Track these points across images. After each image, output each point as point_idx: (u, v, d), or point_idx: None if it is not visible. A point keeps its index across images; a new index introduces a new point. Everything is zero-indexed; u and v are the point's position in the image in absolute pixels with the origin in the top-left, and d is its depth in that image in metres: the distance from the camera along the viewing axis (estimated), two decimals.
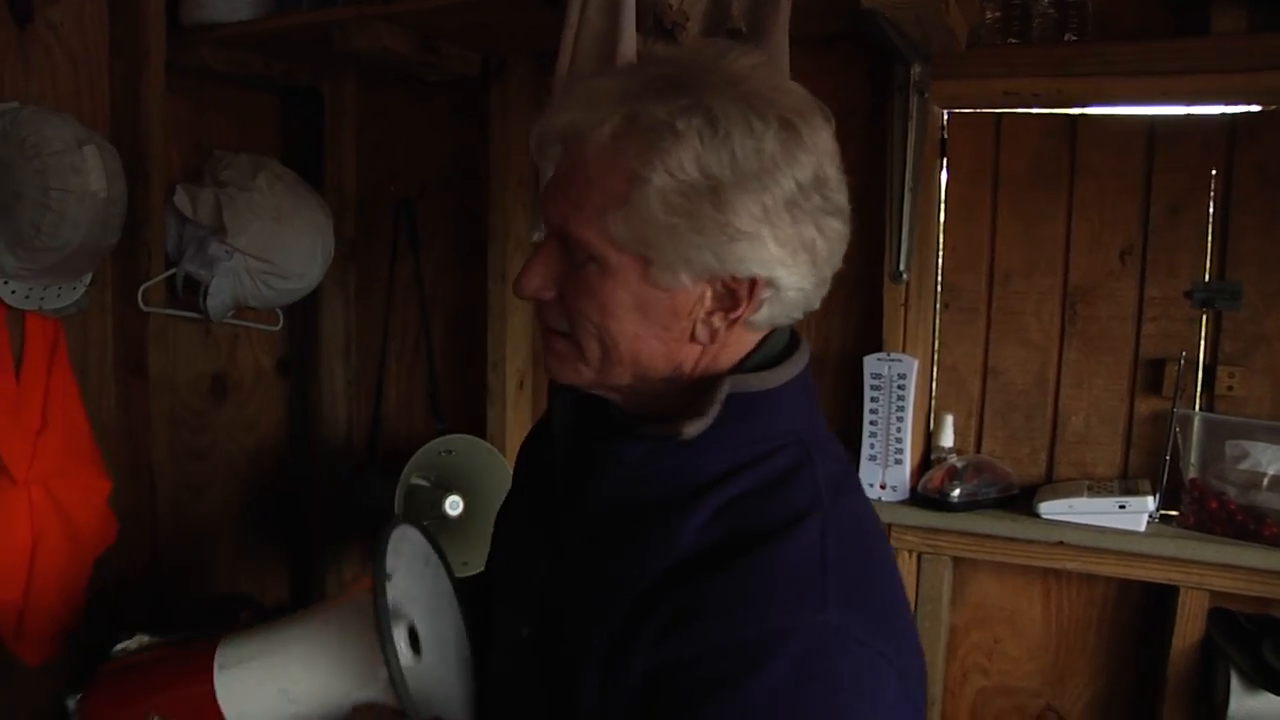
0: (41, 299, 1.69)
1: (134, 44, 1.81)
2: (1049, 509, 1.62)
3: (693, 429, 0.87)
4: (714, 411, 0.87)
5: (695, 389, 0.91)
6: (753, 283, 0.85)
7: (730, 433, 0.88)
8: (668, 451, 0.89)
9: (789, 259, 0.85)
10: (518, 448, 1.18)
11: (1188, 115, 1.63)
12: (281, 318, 2.16)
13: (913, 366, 1.71)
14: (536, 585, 0.96)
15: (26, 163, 1.54)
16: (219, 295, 1.87)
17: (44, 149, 1.55)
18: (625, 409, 0.95)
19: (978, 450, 1.78)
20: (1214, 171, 1.62)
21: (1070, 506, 1.60)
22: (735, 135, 0.81)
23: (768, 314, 0.88)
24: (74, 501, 1.77)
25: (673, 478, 0.89)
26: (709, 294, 0.87)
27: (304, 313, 2.25)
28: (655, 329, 0.88)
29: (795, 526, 0.84)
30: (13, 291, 1.64)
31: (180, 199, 1.86)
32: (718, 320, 0.88)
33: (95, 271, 1.77)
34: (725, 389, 0.88)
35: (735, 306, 0.87)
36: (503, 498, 1.16)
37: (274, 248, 1.88)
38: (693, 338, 0.89)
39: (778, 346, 0.95)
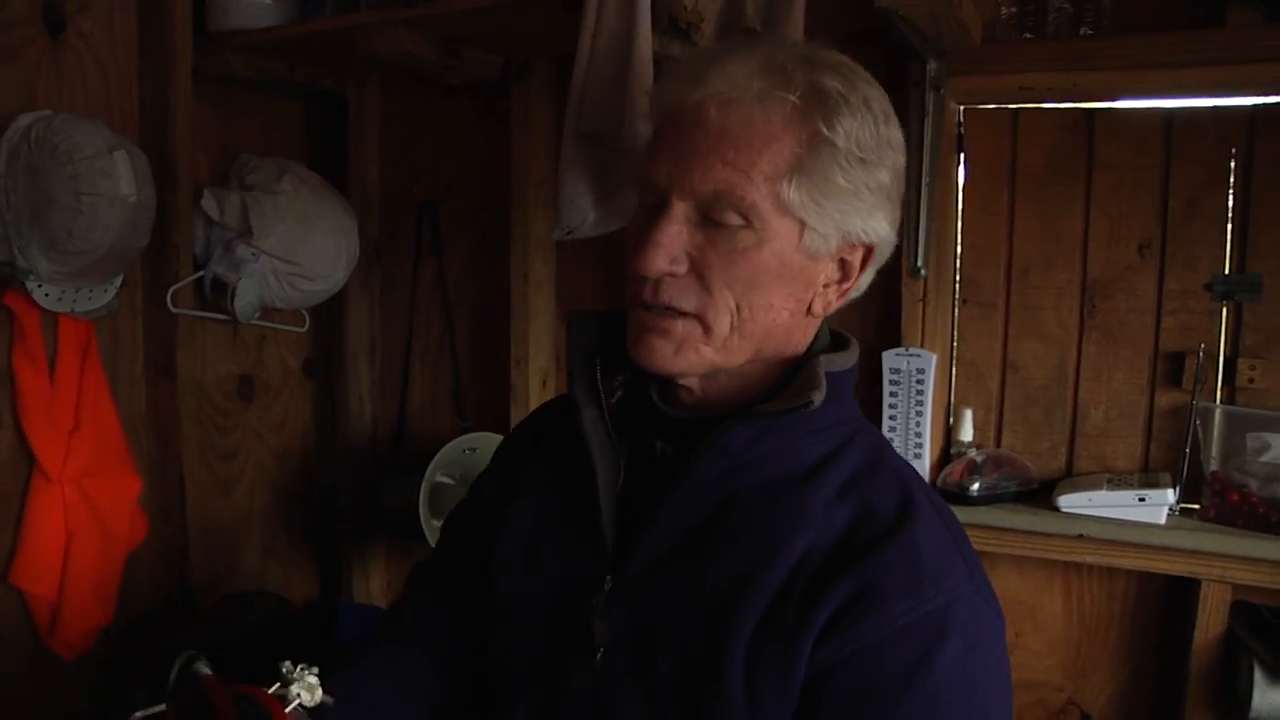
0: (74, 301, 1.72)
1: (162, 51, 1.85)
2: (1068, 502, 1.62)
3: (818, 397, 0.90)
4: (824, 383, 0.91)
5: (778, 372, 0.96)
6: (867, 251, 0.94)
7: (827, 411, 0.93)
8: (772, 433, 0.92)
9: (890, 234, 0.95)
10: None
11: (1205, 108, 1.63)
12: (307, 319, 2.19)
13: (931, 361, 1.72)
14: (598, 602, 0.94)
15: (59, 168, 1.57)
16: (246, 296, 1.91)
17: (75, 155, 1.58)
18: (690, 401, 0.98)
19: (997, 444, 1.79)
20: (1233, 164, 1.62)
21: (1090, 499, 1.61)
22: (879, 116, 0.92)
23: (855, 292, 0.98)
24: (106, 500, 1.81)
25: (779, 460, 0.93)
26: (833, 265, 0.94)
27: (329, 314, 2.28)
28: (790, 300, 0.92)
29: (915, 504, 0.90)
30: (46, 294, 1.68)
31: (207, 202, 1.90)
32: (832, 293, 0.96)
33: (125, 274, 1.81)
34: (822, 365, 0.93)
35: (847, 278, 0.95)
36: None
37: (299, 249, 1.91)
38: (809, 310, 0.95)
39: (824, 339, 1.01)
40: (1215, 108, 1.62)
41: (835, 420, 0.95)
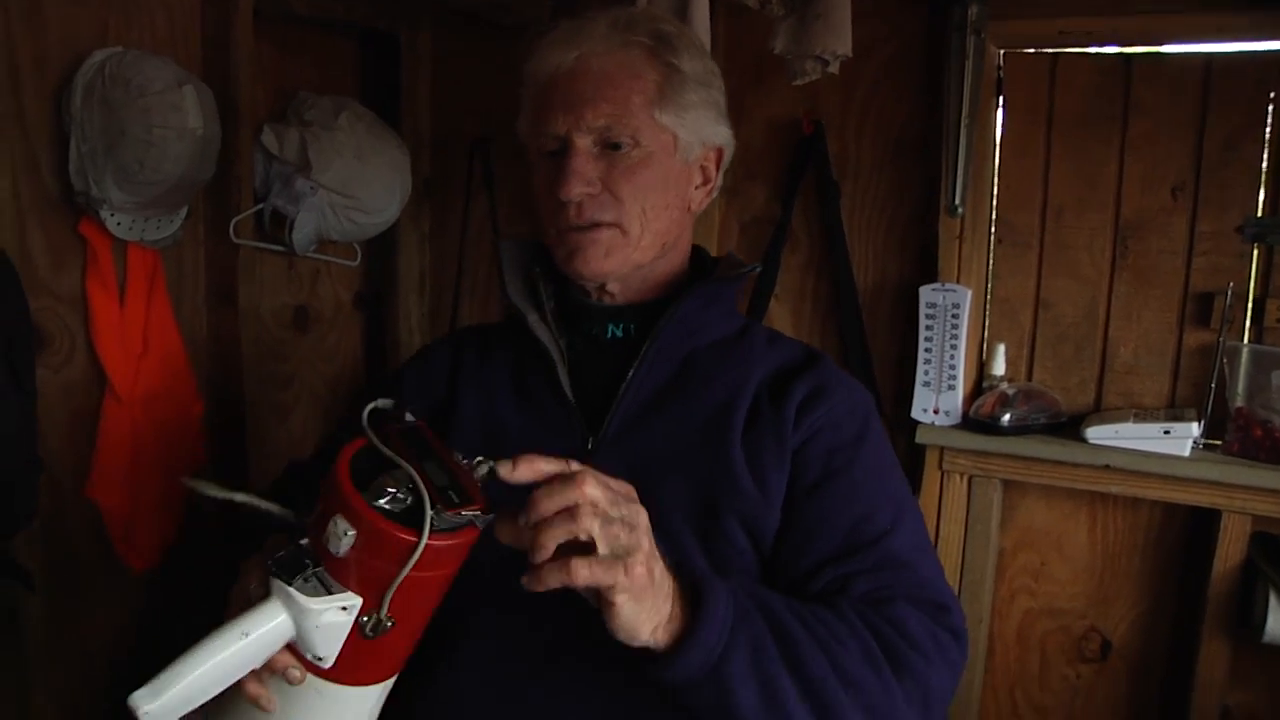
0: (143, 230, 1.80)
1: None
2: (1096, 434, 1.68)
3: (734, 272, 1.24)
4: (739, 261, 1.27)
5: (680, 269, 1.26)
6: (719, 154, 1.24)
7: (731, 296, 1.27)
8: (713, 304, 1.21)
9: (730, 137, 1.25)
10: None
11: (1244, 52, 1.66)
12: (360, 253, 2.27)
13: (966, 296, 1.77)
14: (589, 461, 1.08)
15: (131, 102, 1.64)
16: (304, 229, 1.98)
17: (147, 89, 1.65)
18: (611, 304, 1.21)
19: (1028, 379, 1.85)
20: (1270, 108, 1.65)
21: (1117, 432, 1.67)
22: (703, 50, 1.24)
23: (714, 193, 1.27)
24: (171, 420, 1.90)
25: (718, 324, 1.23)
26: (698, 171, 1.22)
27: (381, 250, 2.35)
28: (677, 200, 1.20)
29: (814, 350, 1.25)
30: (118, 223, 1.75)
31: (267, 138, 1.97)
32: (701, 193, 1.24)
33: (190, 206, 1.88)
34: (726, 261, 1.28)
35: (707, 181, 1.24)
36: None
37: (356, 184, 1.98)
38: (689, 209, 1.23)
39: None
40: (1254, 53, 1.65)
41: (734, 304, 1.29)
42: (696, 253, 1.31)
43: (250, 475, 2.12)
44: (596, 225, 1.15)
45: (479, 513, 0.81)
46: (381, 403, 0.90)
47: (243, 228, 1.97)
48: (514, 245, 1.29)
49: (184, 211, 1.87)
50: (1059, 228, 1.81)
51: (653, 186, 1.15)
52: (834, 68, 1.56)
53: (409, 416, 0.90)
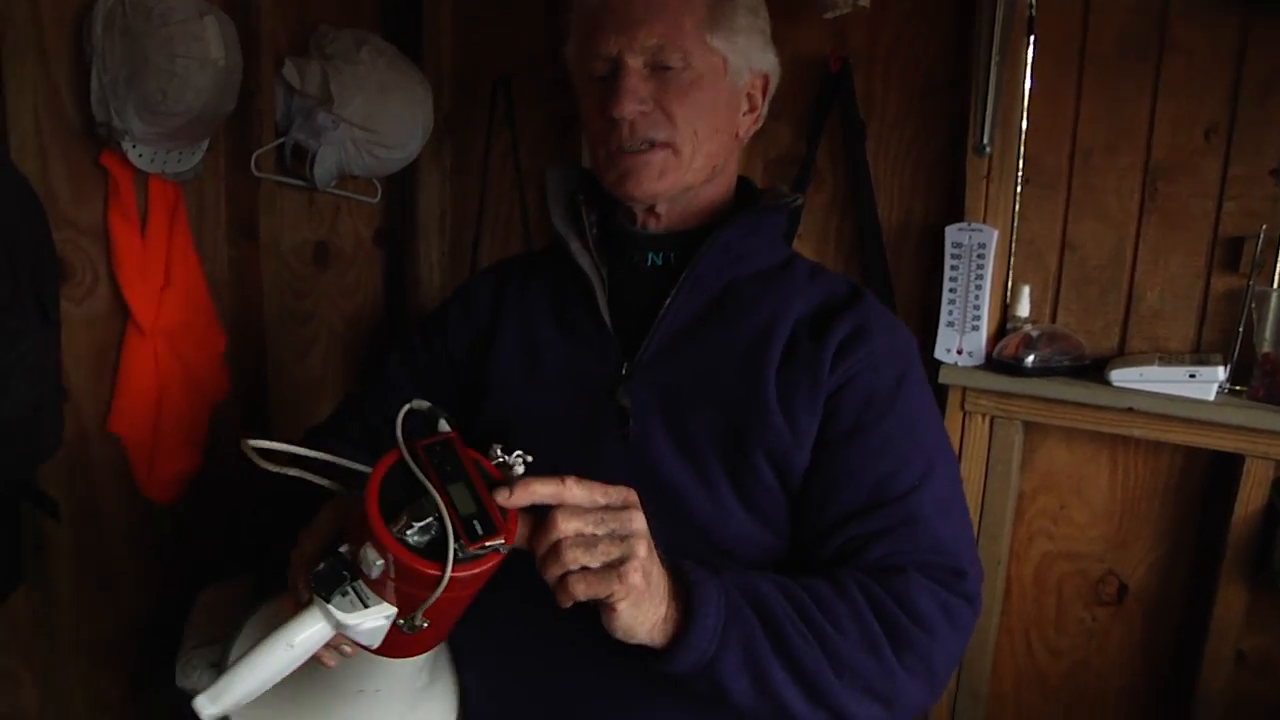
0: (164, 163, 1.79)
1: None
2: (1120, 376, 1.67)
3: (778, 201, 1.23)
4: (784, 192, 1.26)
5: (725, 197, 1.25)
6: (765, 81, 1.23)
7: (780, 224, 1.26)
8: (755, 233, 1.20)
9: (776, 65, 1.24)
10: None
11: None
12: (380, 190, 2.26)
13: (992, 237, 1.76)
14: (619, 385, 1.15)
15: (154, 31, 1.62)
16: (325, 163, 1.97)
17: (170, 18, 1.63)
18: (657, 228, 1.22)
19: (1052, 322, 1.83)
20: None
21: (1141, 374, 1.66)
22: None
23: (759, 122, 1.25)
24: (193, 353, 1.90)
25: (761, 255, 1.22)
26: (745, 96, 1.21)
27: (401, 187, 2.34)
28: (727, 124, 1.19)
29: (859, 288, 1.22)
30: (140, 155, 1.74)
31: (289, 71, 1.95)
32: (748, 120, 1.23)
33: (211, 139, 1.87)
34: (771, 192, 1.27)
35: (754, 109, 1.23)
36: None
37: (378, 118, 1.97)
38: (736, 136, 1.22)
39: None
40: None
41: (781, 235, 1.26)
42: (742, 183, 1.30)
43: (270, 411, 2.13)
44: (650, 146, 1.14)
45: (502, 542, 0.85)
46: (417, 404, 0.93)
47: (264, 161, 1.96)
48: (559, 173, 1.29)
49: (205, 144, 1.86)
50: (1087, 169, 1.79)
51: (704, 107, 1.15)
52: (865, 1, 1.53)
53: (443, 425, 0.93)
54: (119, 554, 1.87)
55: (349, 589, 0.86)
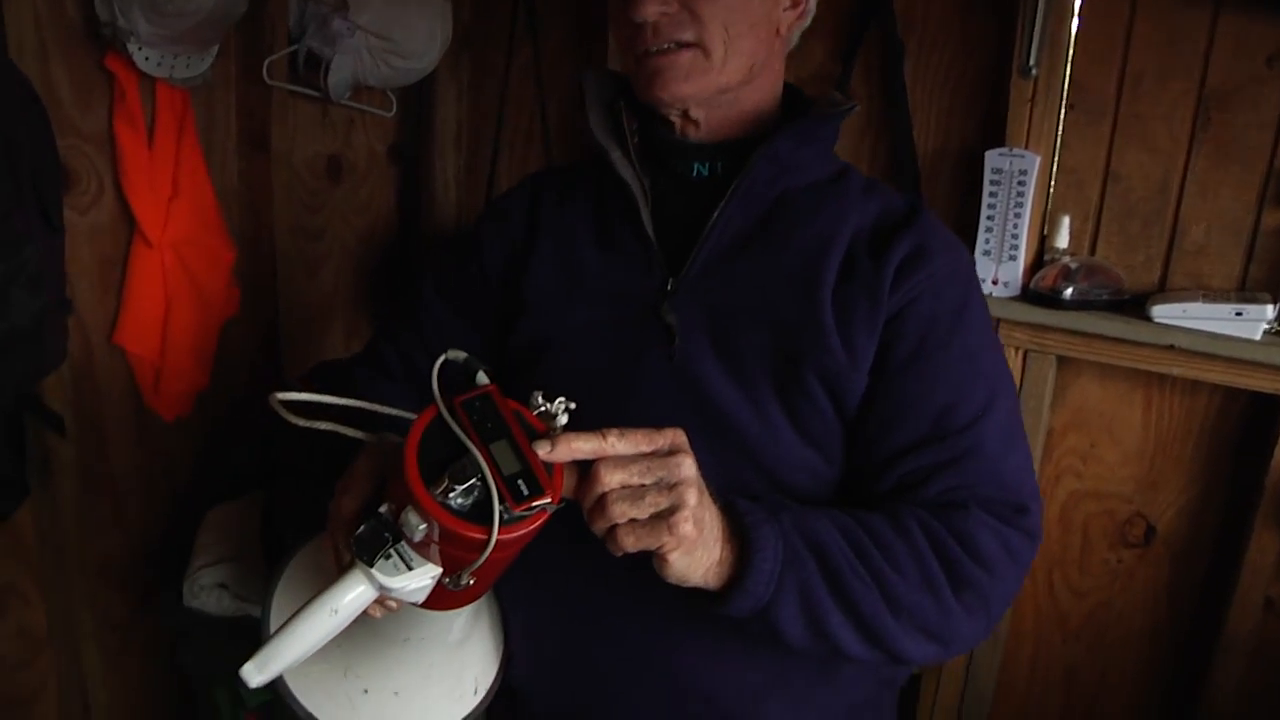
0: (172, 67, 1.72)
1: None
2: (1162, 312, 1.61)
3: (833, 108, 1.15)
4: (837, 99, 1.17)
5: (770, 105, 1.16)
6: None
7: (832, 133, 1.18)
8: (808, 144, 1.12)
9: None
10: None
11: None
12: (395, 103, 2.18)
13: (1034, 163, 1.68)
14: (664, 301, 1.09)
15: None
16: (340, 72, 1.89)
17: None
18: (697, 136, 1.14)
19: (1091, 254, 1.76)
20: None
21: (1184, 310, 1.59)
22: None
23: (799, 29, 1.17)
24: (202, 267, 1.85)
25: (813, 166, 1.14)
26: None
27: (417, 101, 2.26)
28: (761, 18, 1.09)
29: (917, 203, 1.14)
30: (146, 58, 1.67)
31: None
32: (792, 15, 1.13)
33: (221, 44, 1.80)
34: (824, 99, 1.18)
35: (798, 3, 1.14)
36: None
37: (395, 26, 1.89)
38: (778, 33, 1.12)
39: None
40: None
41: (833, 147, 1.19)
42: (789, 91, 1.21)
43: (280, 329, 2.09)
44: (677, 47, 1.06)
45: (548, 501, 0.81)
46: (453, 354, 0.89)
47: (276, 69, 1.89)
48: (596, 78, 1.21)
49: (215, 49, 1.79)
50: (1136, 96, 1.70)
51: (735, 3, 1.06)
52: None
53: (481, 376, 0.88)
54: (125, 471, 1.83)
55: (392, 552, 0.83)
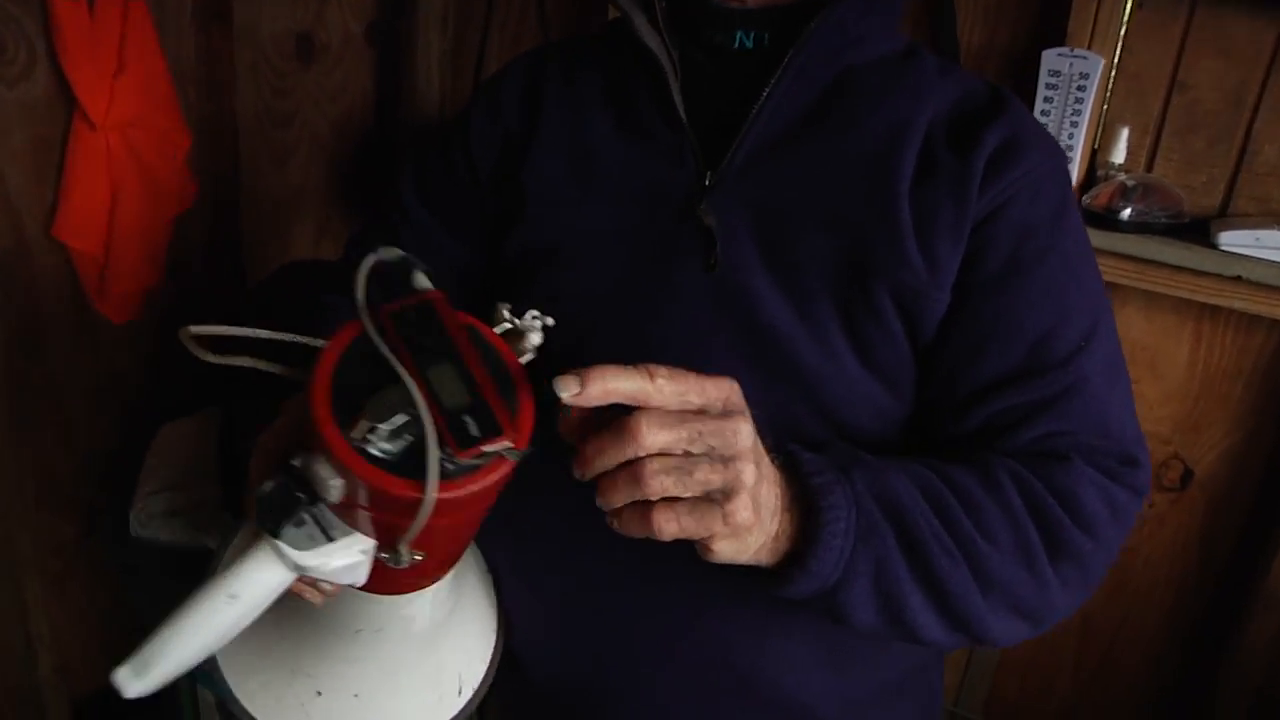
0: None
1: None
2: (1230, 239, 1.44)
3: None
4: None
5: None
6: None
7: (898, 8, 0.98)
8: (874, 12, 0.92)
9: None
10: None
11: None
12: None
13: (1098, 66, 1.49)
14: (706, 199, 0.90)
15: None
16: None
17: None
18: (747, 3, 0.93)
19: (1148, 171, 1.59)
20: None
21: (1258, 239, 1.43)
22: None
23: None
24: (153, 154, 1.65)
25: (881, 38, 0.95)
26: None
27: None
28: None
29: (1000, 88, 0.95)
30: None
31: None
32: None
33: None
34: None
35: None
36: None
37: None
38: None
39: None
40: None
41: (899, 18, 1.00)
42: None
43: (241, 225, 1.90)
44: None
45: (509, 446, 0.59)
46: (385, 252, 0.65)
47: None
48: None
49: None
50: None
51: None
52: None
53: (421, 279, 0.65)
54: (68, 381, 1.66)
55: (305, 516, 0.62)
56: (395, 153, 2.15)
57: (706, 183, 0.91)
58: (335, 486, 0.59)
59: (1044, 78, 1.52)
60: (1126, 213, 1.49)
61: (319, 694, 0.78)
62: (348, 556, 0.62)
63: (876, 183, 0.88)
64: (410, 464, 0.58)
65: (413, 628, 0.79)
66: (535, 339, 0.65)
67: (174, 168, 1.70)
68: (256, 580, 0.63)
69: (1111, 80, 1.56)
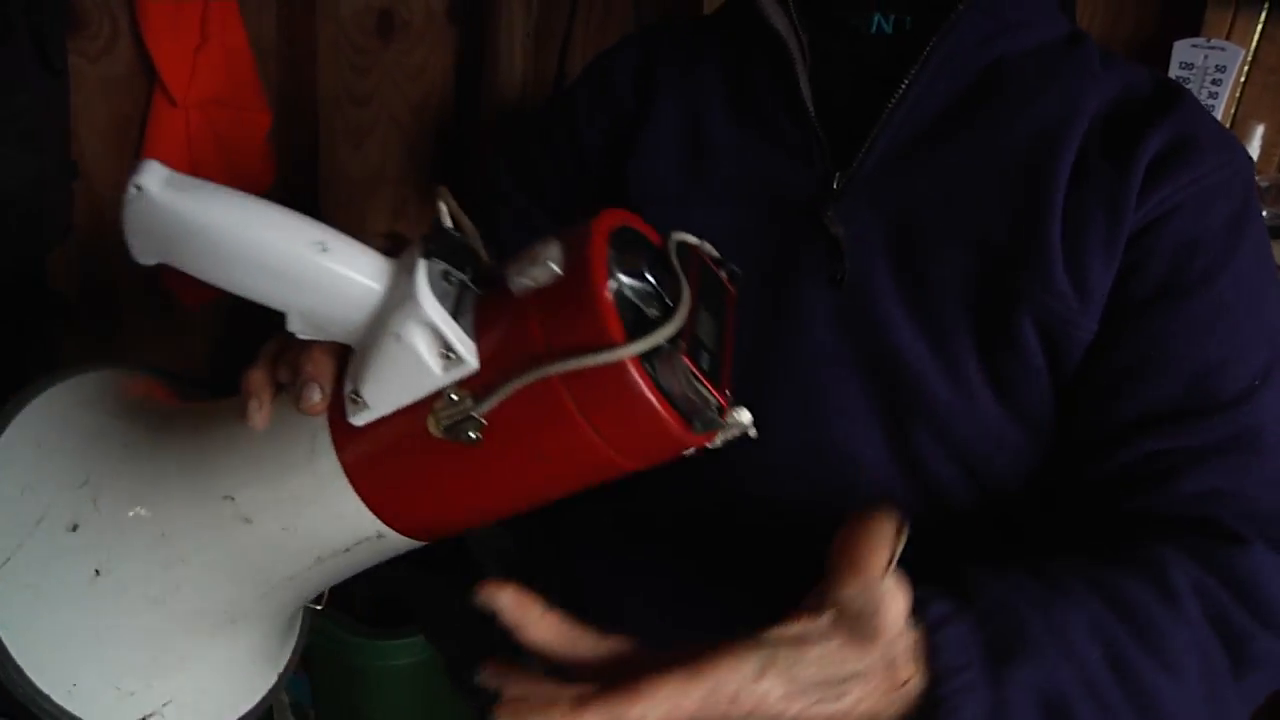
0: None
1: None
2: None
3: None
4: None
5: None
6: None
7: None
8: None
9: None
10: None
11: None
12: None
13: (1236, 58, 1.40)
14: (834, 205, 0.82)
15: None
16: None
17: None
18: None
19: (1279, 172, 1.50)
20: None
21: None
22: None
23: None
24: (233, 131, 1.62)
25: (1040, 24, 0.85)
26: None
27: None
28: None
29: (1171, 81, 0.85)
30: None
31: None
32: None
33: None
34: None
35: None
36: None
37: None
38: None
39: None
40: None
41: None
42: None
43: (319, 206, 1.86)
44: None
45: (719, 407, 0.52)
46: (683, 236, 0.60)
47: None
48: None
49: None
50: None
51: None
52: None
53: (710, 249, 0.62)
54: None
55: (456, 281, 0.55)
56: (475, 135, 2.10)
57: (835, 186, 0.82)
58: (543, 269, 0.51)
59: (1175, 70, 1.43)
60: (1264, 215, 1.40)
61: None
62: (429, 345, 0.53)
63: (1025, 197, 0.79)
64: (632, 325, 0.51)
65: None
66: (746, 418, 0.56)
67: (254, 147, 1.66)
68: (355, 257, 0.56)
69: (1246, 73, 1.46)
